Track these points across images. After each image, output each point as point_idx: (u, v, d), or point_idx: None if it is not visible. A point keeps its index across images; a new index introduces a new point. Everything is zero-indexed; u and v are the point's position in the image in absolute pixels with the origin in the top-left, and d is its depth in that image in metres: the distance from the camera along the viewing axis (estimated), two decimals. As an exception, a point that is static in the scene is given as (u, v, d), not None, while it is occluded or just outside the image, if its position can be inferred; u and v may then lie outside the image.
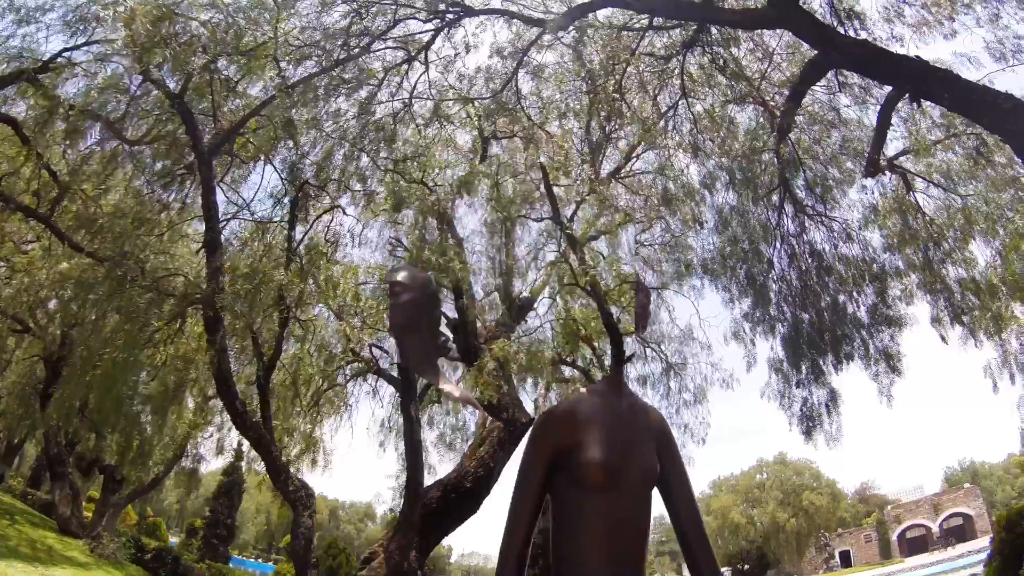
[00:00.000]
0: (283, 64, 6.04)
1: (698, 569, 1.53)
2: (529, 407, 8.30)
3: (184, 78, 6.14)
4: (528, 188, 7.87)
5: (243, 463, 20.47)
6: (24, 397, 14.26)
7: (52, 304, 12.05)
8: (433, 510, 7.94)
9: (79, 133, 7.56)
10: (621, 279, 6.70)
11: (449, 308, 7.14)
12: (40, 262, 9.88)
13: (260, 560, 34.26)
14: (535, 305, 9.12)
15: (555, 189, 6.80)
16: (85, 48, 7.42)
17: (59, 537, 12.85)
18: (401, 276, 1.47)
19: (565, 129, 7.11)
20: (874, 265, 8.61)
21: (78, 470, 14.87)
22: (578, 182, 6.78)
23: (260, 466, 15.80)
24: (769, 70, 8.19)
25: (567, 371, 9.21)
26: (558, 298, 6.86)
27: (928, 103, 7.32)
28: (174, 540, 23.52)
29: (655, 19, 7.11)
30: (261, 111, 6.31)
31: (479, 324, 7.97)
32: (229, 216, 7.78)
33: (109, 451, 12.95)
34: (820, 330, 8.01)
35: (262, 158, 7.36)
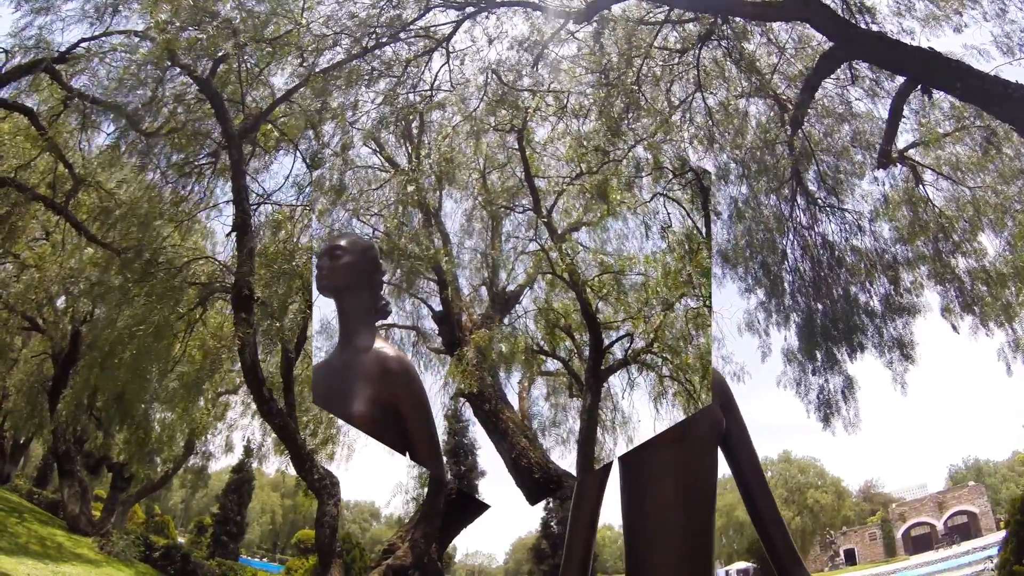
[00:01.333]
0: (308, 53, 6.11)
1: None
2: (513, 399, 8.24)
3: (213, 62, 6.20)
4: (514, 182, 7.85)
5: (253, 460, 20.39)
6: (31, 395, 14.22)
7: (61, 301, 12.03)
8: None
9: (96, 124, 7.58)
10: (603, 269, 6.73)
11: (435, 301, 7.15)
12: (51, 258, 9.87)
13: (265, 560, 34.01)
14: (521, 298, 9.05)
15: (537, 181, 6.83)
16: (103, 38, 7.45)
17: (68, 535, 12.79)
18: (343, 241, 1.50)
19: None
20: (885, 256, 8.71)
21: (86, 468, 14.82)
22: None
23: (269, 465, 15.79)
24: (781, 64, 8.30)
25: (552, 366, 9.08)
26: (536, 287, 6.85)
27: (938, 95, 7.45)
28: (180, 539, 23.38)
29: (672, 12, 7.21)
30: (291, 96, 6.38)
31: (465, 316, 7.93)
32: (256, 203, 7.83)
33: (118, 448, 12.91)
34: (834, 319, 8.10)
35: (282, 148, 7.43)
